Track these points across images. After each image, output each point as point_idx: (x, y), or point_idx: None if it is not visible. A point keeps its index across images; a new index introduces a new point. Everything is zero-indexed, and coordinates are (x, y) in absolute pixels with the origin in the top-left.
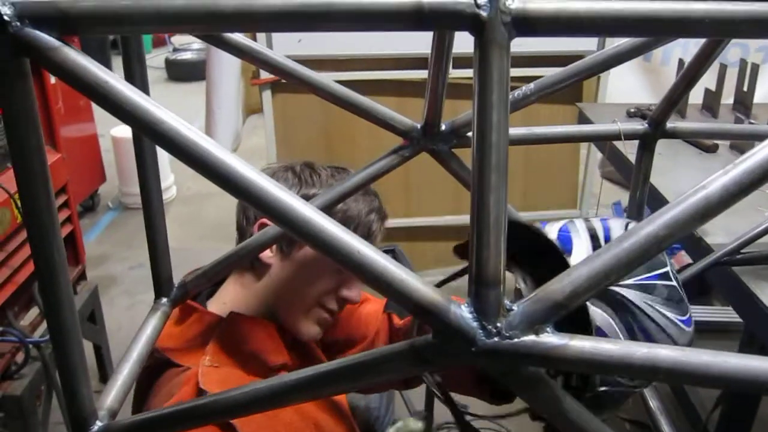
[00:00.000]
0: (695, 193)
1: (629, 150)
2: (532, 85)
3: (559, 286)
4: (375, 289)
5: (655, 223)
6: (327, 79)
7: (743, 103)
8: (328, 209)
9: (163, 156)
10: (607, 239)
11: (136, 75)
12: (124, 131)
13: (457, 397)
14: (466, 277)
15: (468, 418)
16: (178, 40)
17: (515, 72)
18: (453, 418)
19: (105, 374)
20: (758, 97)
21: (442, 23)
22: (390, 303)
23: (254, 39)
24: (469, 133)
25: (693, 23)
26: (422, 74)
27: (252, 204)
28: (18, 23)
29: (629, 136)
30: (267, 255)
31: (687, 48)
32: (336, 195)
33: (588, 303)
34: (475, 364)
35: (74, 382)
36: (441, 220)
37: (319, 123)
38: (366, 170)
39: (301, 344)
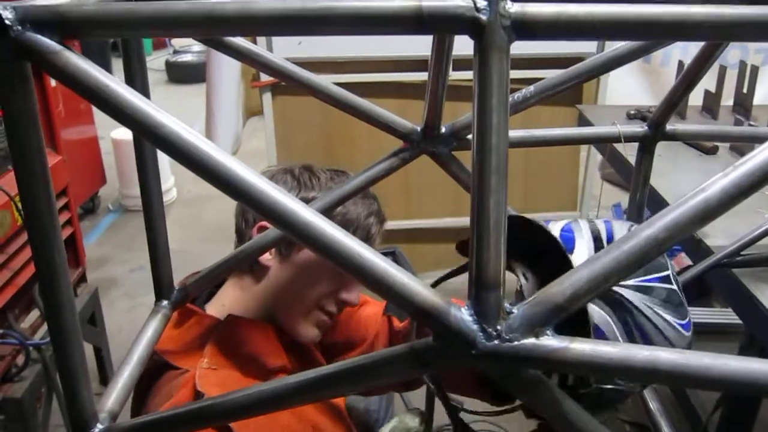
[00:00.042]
0: (695, 195)
1: (629, 152)
2: (531, 88)
3: (559, 288)
4: (375, 292)
5: (655, 225)
6: (327, 81)
7: (743, 105)
8: (327, 212)
9: (163, 158)
10: (610, 241)
11: (136, 77)
12: (124, 133)
13: (455, 396)
14: (467, 277)
15: (463, 415)
16: (179, 42)
17: (515, 74)
18: (448, 416)
19: (105, 377)
20: (758, 99)
21: (441, 27)
22: (390, 305)
23: (254, 42)
24: (469, 136)
25: (692, 27)
26: (422, 77)
27: (252, 207)
28: (19, 27)
29: (629, 138)
30: (266, 258)
31: (687, 50)
32: (335, 198)
33: None
34: (475, 367)
35: (75, 385)
36: (441, 222)
37: (319, 125)
38: (366, 173)
39: (299, 347)
